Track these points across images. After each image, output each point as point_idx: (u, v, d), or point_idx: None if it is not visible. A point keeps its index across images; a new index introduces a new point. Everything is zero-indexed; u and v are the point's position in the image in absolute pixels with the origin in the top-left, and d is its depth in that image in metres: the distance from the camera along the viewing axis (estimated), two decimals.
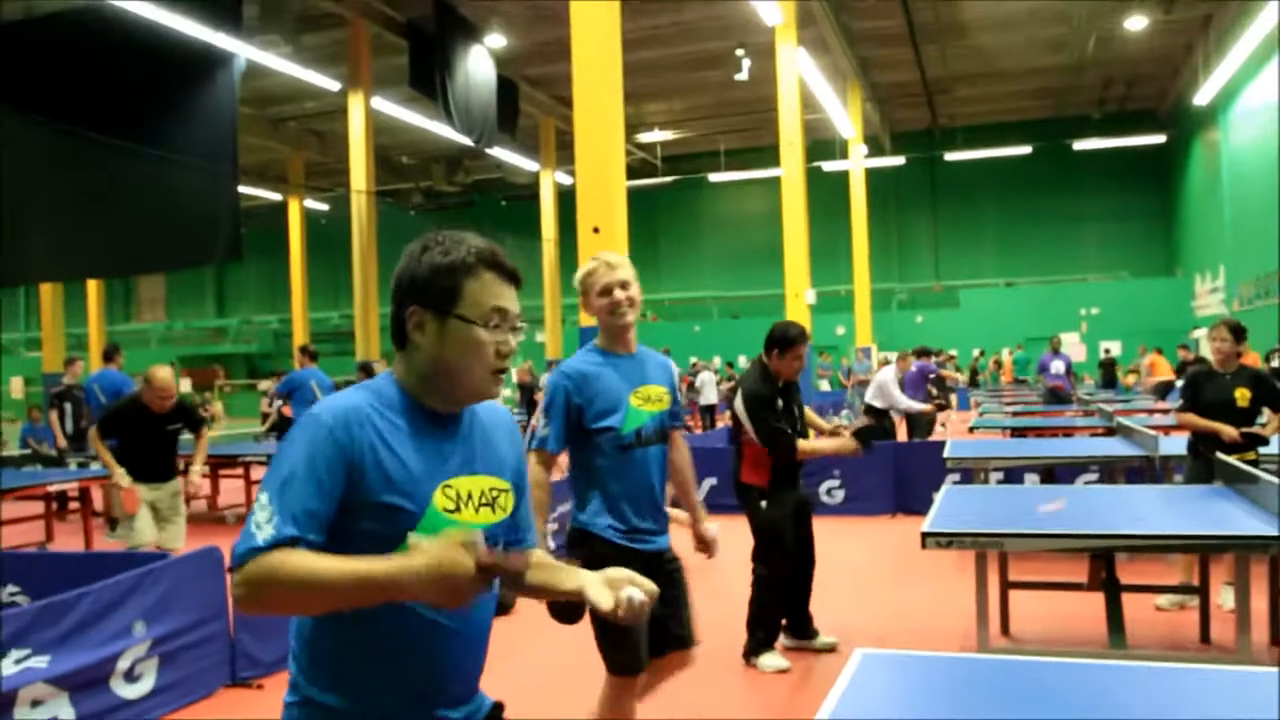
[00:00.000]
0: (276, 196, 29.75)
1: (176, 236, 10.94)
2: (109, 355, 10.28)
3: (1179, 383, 9.54)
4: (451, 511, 1.69)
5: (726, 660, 5.20)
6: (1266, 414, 5.88)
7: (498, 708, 1.89)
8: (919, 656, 2.53)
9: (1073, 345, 26.31)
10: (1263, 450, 5.86)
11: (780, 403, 5.11)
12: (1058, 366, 15.60)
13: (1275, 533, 3.78)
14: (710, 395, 20.32)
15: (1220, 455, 5.28)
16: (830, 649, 5.38)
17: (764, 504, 5.16)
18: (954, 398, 19.90)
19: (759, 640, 5.14)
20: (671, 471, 3.54)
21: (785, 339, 5.12)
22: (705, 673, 4.68)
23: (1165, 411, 10.89)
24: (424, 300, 1.69)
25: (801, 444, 5.10)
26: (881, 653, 2.46)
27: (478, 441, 1.79)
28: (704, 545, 3.70)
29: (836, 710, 2.02)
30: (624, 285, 3.30)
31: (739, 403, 5.22)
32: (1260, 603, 4.81)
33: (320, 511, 1.57)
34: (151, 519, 6.36)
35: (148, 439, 6.32)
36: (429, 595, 1.50)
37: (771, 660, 5.10)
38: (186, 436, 6.81)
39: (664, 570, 3.25)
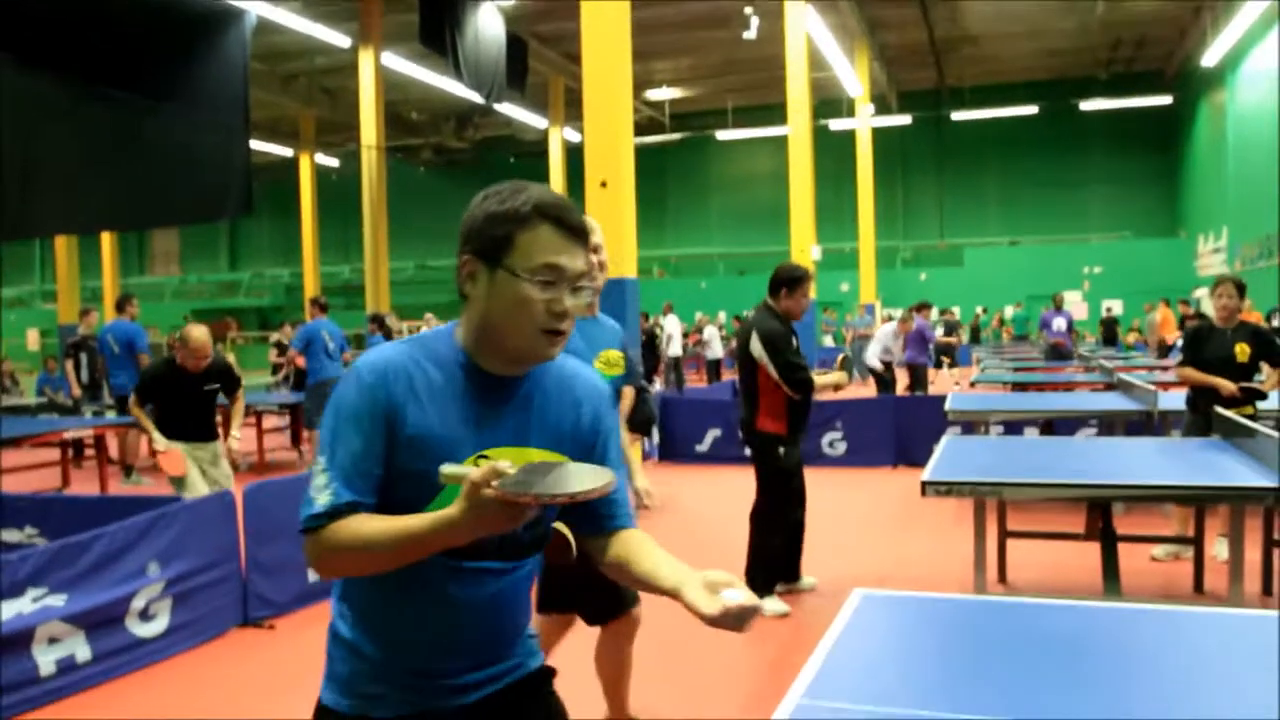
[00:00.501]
0: (288, 152, 29.71)
1: (188, 190, 10.95)
2: (121, 305, 10.36)
3: (1178, 341, 9.59)
4: None
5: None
6: (1265, 369, 5.94)
7: (543, 673, 1.81)
8: (916, 597, 2.58)
9: (1075, 304, 26.28)
10: (1261, 405, 5.92)
11: (795, 342, 5.20)
12: (1059, 324, 15.68)
13: (1271, 485, 3.84)
14: (716, 349, 20.39)
15: (1219, 409, 5.35)
16: (811, 588, 5.59)
17: (782, 451, 5.22)
18: (955, 354, 19.97)
19: (760, 585, 5.21)
20: None
21: (793, 278, 5.23)
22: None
23: (1165, 368, 10.93)
24: (476, 249, 1.59)
25: (818, 380, 5.18)
26: (880, 593, 2.52)
27: (535, 411, 1.65)
28: (637, 497, 3.67)
29: (836, 647, 2.08)
30: (597, 249, 3.21)
31: (755, 344, 5.18)
32: (1254, 554, 4.88)
33: (371, 470, 1.53)
34: (200, 475, 6.27)
35: (185, 400, 6.23)
36: (475, 535, 1.45)
37: (773, 605, 5.20)
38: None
39: None
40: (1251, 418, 5.46)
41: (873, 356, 13.37)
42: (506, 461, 1.41)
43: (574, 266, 1.59)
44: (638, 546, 1.68)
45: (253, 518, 5.26)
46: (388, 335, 11.42)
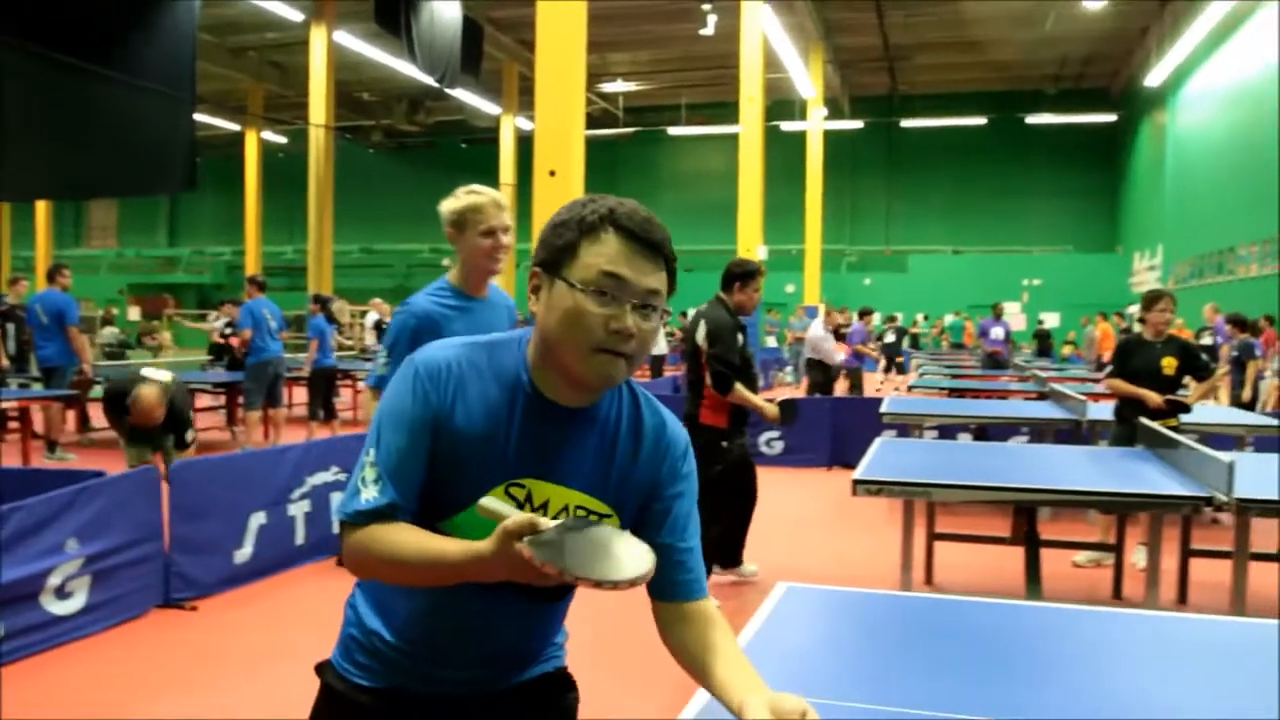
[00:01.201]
0: (234, 127, 29.24)
1: (130, 162, 10.70)
2: (52, 275, 10.11)
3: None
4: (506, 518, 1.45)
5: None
6: (1191, 383, 6.10)
7: (557, 677, 1.71)
8: (838, 591, 2.61)
9: (1014, 315, 26.74)
10: (1185, 418, 6.07)
11: (741, 338, 5.24)
12: (997, 332, 15.97)
13: (1189, 494, 3.94)
14: (661, 345, 20.43)
15: (1144, 421, 5.47)
16: (753, 575, 5.68)
17: (724, 445, 5.24)
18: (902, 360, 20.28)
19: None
20: None
21: (745, 272, 5.31)
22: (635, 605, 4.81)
23: (1096, 380, 11.17)
24: (540, 260, 1.46)
25: (737, 387, 5.17)
26: (803, 586, 2.54)
27: (593, 451, 1.51)
28: None
29: (757, 638, 2.09)
30: (507, 230, 3.18)
31: (700, 332, 5.22)
32: (1171, 563, 5.01)
33: (414, 473, 1.45)
34: None
35: (147, 437, 6.33)
36: (504, 578, 1.33)
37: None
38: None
39: None
40: (1175, 429, 5.60)
41: (807, 353, 13.47)
42: (548, 519, 1.29)
43: (640, 281, 1.41)
44: (709, 642, 1.50)
45: (179, 496, 5.16)
46: (329, 317, 11.27)
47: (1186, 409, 5.98)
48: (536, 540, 1.27)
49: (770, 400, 5.47)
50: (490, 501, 1.37)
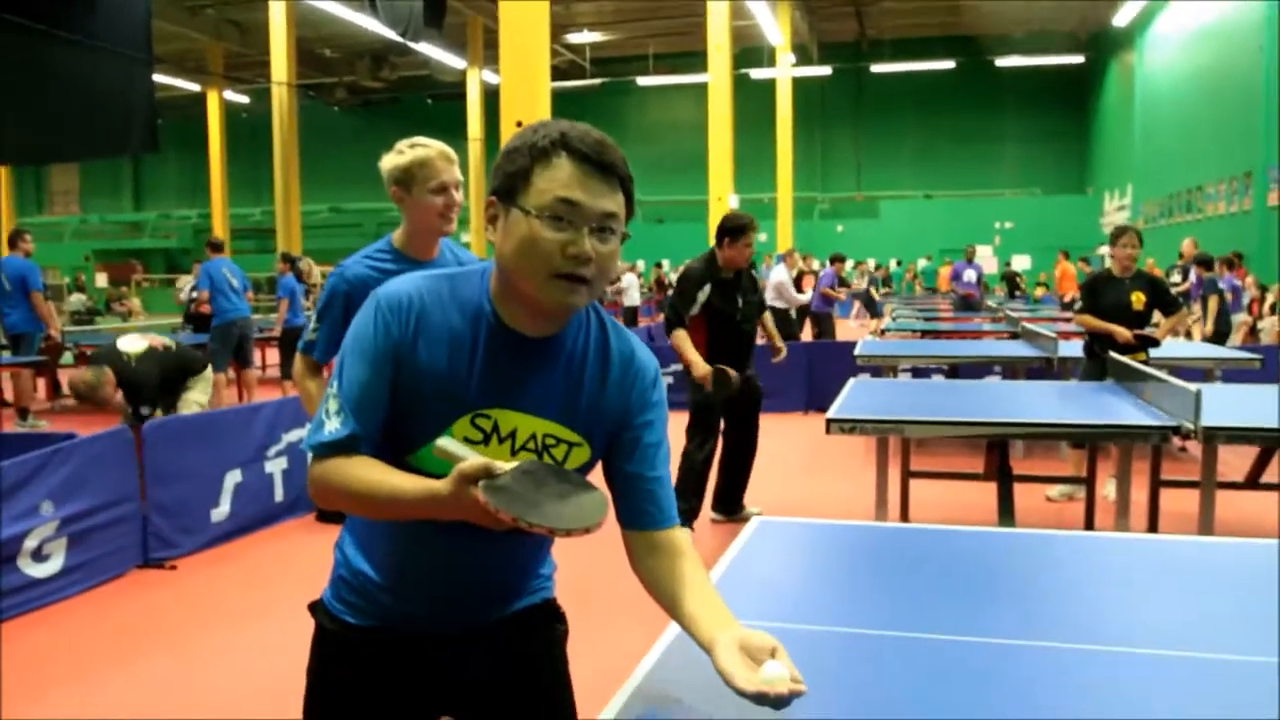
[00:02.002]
0: (195, 87, 28.71)
1: (88, 125, 10.51)
2: (14, 241, 9.95)
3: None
4: (474, 444, 1.43)
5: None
6: (1159, 318, 6.16)
7: (545, 608, 1.70)
8: (811, 524, 2.63)
9: (986, 258, 26.87)
10: (1154, 352, 6.14)
11: (707, 290, 5.39)
12: (970, 275, 16.03)
13: (1158, 423, 3.99)
14: (634, 297, 20.43)
15: (1113, 355, 5.53)
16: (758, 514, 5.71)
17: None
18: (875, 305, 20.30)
19: (681, 514, 5.29)
20: None
21: (735, 227, 5.42)
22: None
23: (1068, 320, 11.27)
24: (494, 188, 1.44)
25: (678, 334, 5.40)
26: (776, 519, 2.56)
27: (559, 380, 1.49)
28: None
29: (731, 569, 2.12)
30: (458, 185, 2.93)
31: (676, 277, 5.51)
32: (1141, 495, 5.09)
33: (377, 404, 1.44)
34: None
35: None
36: (459, 517, 1.34)
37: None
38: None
39: None
40: (1144, 364, 5.67)
41: (771, 299, 13.38)
42: (504, 464, 1.31)
43: (596, 205, 1.38)
44: (678, 574, 1.49)
45: (153, 457, 5.14)
46: (299, 276, 11.16)
47: (1156, 343, 6.05)
48: (492, 485, 1.27)
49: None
50: (447, 442, 1.37)
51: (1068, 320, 10.99)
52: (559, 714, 1.68)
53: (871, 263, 26.92)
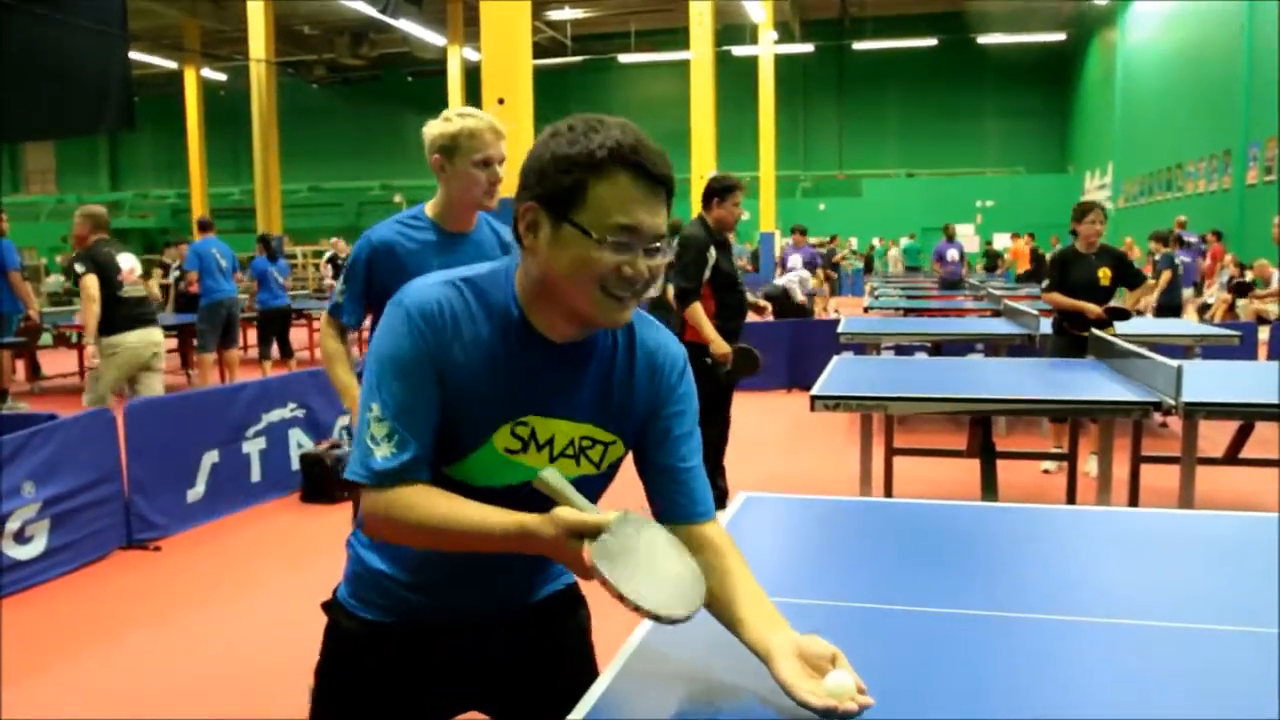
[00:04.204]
0: (172, 65, 28.38)
1: (63, 102, 10.39)
2: None
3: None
4: (514, 453, 1.42)
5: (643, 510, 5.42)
6: (1125, 292, 6.26)
7: (567, 593, 1.70)
8: (798, 499, 2.65)
9: (967, 237, 26.96)
10: (1130, 329, 6.19)
11: (713, 254, 5.14)
12: (952, 254, 16.05)
13: (1139, 399, 4.02)
14: None
15: (1094, 331, 5.56)
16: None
17: (708, 361, 5.10)
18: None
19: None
20: None
21: (724, 186, 5.20)
22: None
23: (1020, 297, 11.37)
24: (540, 196, 1.35)
25: (695, 308, 5.11)
26: (761, 495, 2.57)
27: (591, 382, 1.46)
28: None
29: None
30: (503, 161, 2.81)
31: (675, 246, 5.18)
32: (1122, 471, 5.13)
33: (427, 421, 1.38)
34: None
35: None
36: (548, 556, 1.34)
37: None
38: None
39: None
40: (1114, 337, 5.76)
41: (797, 291, 13.24)
42: (608, 515, 1.28)
43: (653, 225, 1.34)
44: (722, 572, 1.44)
45: (135, 437, 5.11)
46: (272, 257, 11.06)
47: (1127, 315, 6.11)
48: (603, 549, 1.24)
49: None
50: (552, 476, 1.33)
51: (1027, 299, 11.07)
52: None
53: (836, 239, 26.97)
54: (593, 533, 1.25)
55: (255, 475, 5.93)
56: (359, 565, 1.60)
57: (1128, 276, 6.23)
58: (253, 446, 5.92)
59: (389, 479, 1.37)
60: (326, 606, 1.66)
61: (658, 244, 1.36)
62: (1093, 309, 5.99)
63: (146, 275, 8.40)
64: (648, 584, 1.24)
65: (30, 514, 4.54)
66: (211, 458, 5.61)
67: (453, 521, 1.35)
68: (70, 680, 3.63)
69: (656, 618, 1.23)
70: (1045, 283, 6.38)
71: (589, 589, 1.73)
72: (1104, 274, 6.09)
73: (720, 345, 5.07)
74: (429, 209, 2.88)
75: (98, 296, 6.16)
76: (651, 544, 1.32)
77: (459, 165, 2.76)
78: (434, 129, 2.80)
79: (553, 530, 1.27)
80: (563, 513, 1.28)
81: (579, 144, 1.33)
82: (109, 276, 6.29)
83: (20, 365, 11.11)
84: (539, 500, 1.34)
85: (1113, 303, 6.12)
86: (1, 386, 9.73)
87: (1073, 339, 6.06)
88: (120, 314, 6.27)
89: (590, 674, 1.63)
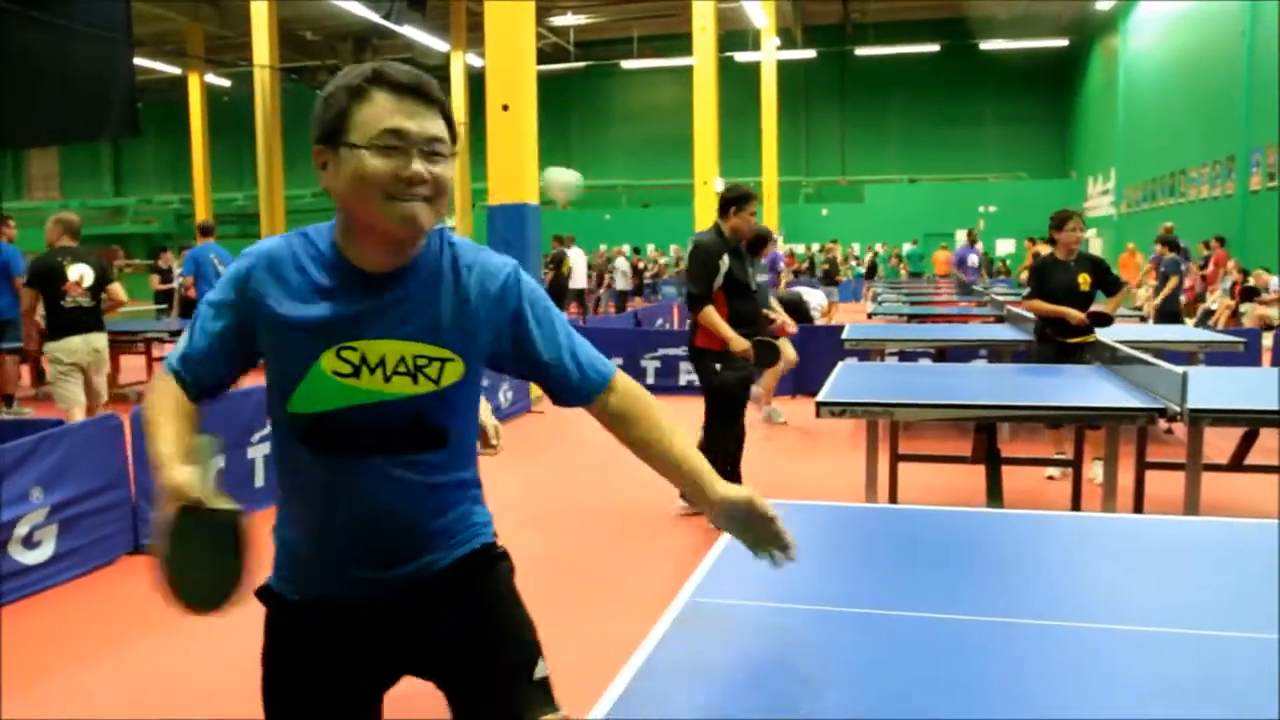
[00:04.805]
0: (175, 70, 28.42)
1: (67, 108, 10.42)
2: None
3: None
4: (345, 376, 1.51)
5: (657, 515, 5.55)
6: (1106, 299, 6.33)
7: (482, 552, 1.67)
8: (805, 505, 2.66)
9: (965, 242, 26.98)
10: (1135, 335, 6.21)
11: (726, 261, 5.30)
12: (973, 260, 15.88)
13: (1144, 406, 4.03)
14: (622, 282, 20.47)
15: (1100, 339, 5.58)
16: None
17: (718, 367, 5.31)
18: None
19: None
20: None
21: (739, 195, 5.37)
22: (642, 528, 5.08)
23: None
24: (319, 135, 1.50)
25: (708, 310, 5.26)
26: (771, 501, 2.57)
27: (415, 302, 1.54)
28: (482, 436, 2.88)
29: (727, 551, 2.13)
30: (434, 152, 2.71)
31: (689, 255, 5.46)
32: (1127, 478, 5.13)
33: (206, 348, 1.59)
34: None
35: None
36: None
37: None
38: None
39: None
40: (1091, 345, 5.81)
41: (815, 307, 13.15)
42: (220, 502, 1.47)
43: (421, 129, 1.47)
44: (636, 445, 1.69)
45: (142, 442, 5.12)
46: None
47: (1109, 321, 6.15)
48: (161, 526, 1.42)
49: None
50: (202, 443, 1.56)
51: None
52: (519, 651, 1.66)
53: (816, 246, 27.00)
54: (188, 503, 1.42)
55: (259, 480, 5.94)
56: (275, 540, 1.67)
57: (1106, 282, 6.28)
58: (257, 451, 5.93)
59: (165, 370, 1.62)
60: (258, 593, 1.65)
61: (434, 148, 1.48)
62: (1075, 314, 6.04)
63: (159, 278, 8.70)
64: (183, 575, 1.43)
65: (38, 519, 4.56)
66: (217, 463, 5.62)
67: (149, 425, 1.56)
68: (77, 685, 3.64)
69: (171, 601, 1.42)
70: (1027, 290, 6.43)
71: (554, 590, 1.75)
72: (1084, 280, 6.15)
73: (739, 343, 5.23)
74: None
75: (34, 306, 6.90)
76: (216, 539, 1.45)
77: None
78: None
79: (164, 481, 1.44)
80: (178, 472, 1.45)
81: (339, 81, 1.50)
82: (51, 287, 6.84)
83: (25, 370, 11.12)
84: (370, 427, 1.52)
85: (1094, 308, 6.18)
86: (7, 391, 9.74)
87: (1058, 346, 6.12)
88: (61, 320, 6.86)
89: (518, 632, 1.66)
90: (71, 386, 6.82)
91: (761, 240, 5.58)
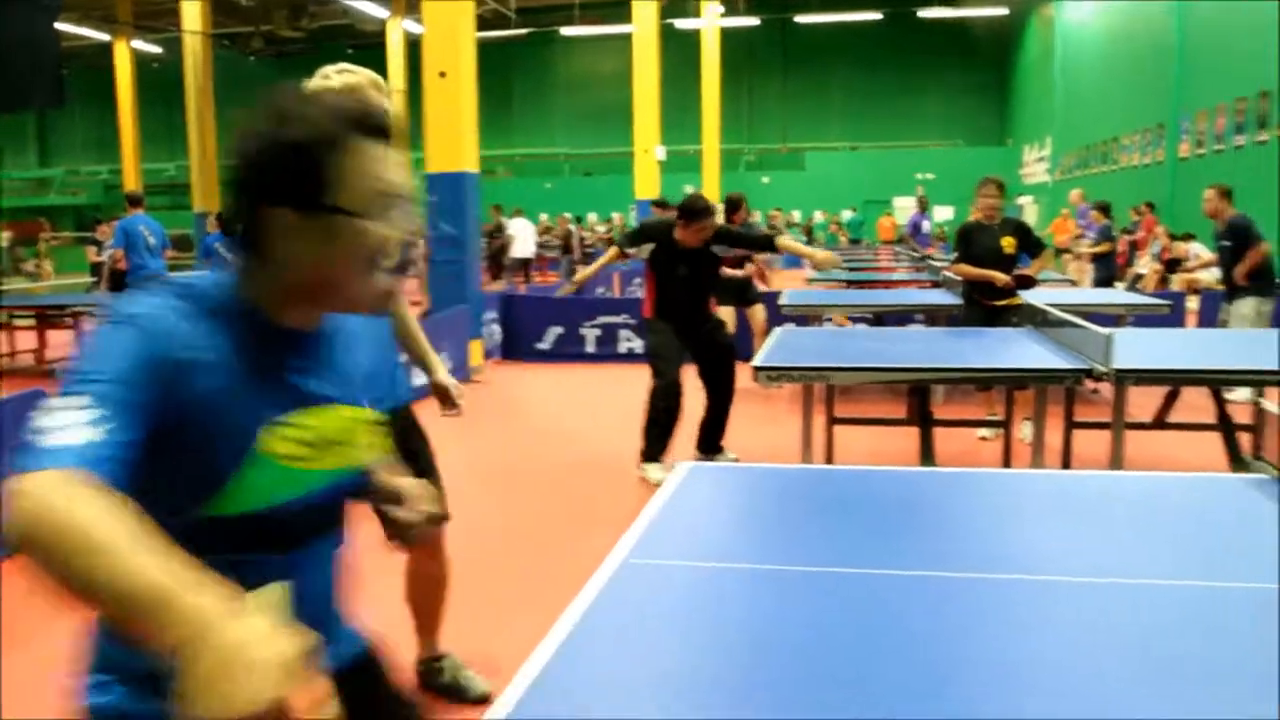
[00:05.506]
0: (103, 36, 27.59)
1: None
2: None
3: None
4: (301, 460, 1.24)
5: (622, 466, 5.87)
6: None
7: (365, 655, 1.45)
8: (739, 468, 2.72)
9: (907, 209, 27.26)
10: (1065, 299, 6.36)
11: (652, 246, 5.70)
12: (926, 226, 16.02)
13: (1071, 366, 4.13)
14: (526, 248, 19.94)
15: (1026, 300, 5.70)
16: (733, 461, 5.94)
17: (650, 332, 5.78)
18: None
19: (645, 452, 5.70)
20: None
21: (691, 211, 5.56)
22: (603, 476, 5.57)
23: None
24: (277, 196, 1.19)
25: (613, 251, 6.17)
26: (704, 464, 2.63)
27: (327, 359, 1.31)
28: (444, 396, 3.00)
29: (661, 513, 2.16)
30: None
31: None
32: (1055, 437, 5.27)
33: (120, 459, 1.04)
34: None
35: None
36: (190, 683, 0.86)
37: (654, 473, 5.55)
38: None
39: None
40: (1017, 308, 5.96)
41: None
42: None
43: (406, 183, 1.24)
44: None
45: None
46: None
47: (1034, 283, 6.32)
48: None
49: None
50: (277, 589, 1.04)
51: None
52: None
53: (796, 215, 27.14)
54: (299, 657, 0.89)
55: None
56: (109, 662, 1.23)
57: (1029, 244, 6.46)
58: None
59: (76, 455, 1.01)
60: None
61: (411, 201, 1.26)
62: (1000, 277, 6.19)
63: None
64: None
65: None
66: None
67: (70, 527, 0.93)
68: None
69: None
70: (954, 255, 6.57)
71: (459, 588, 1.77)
72: (1008, 243, 6.30)
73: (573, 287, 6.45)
74: None
75: None
76: None
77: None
78: (313, 88, 2.59)
79: (235, 645, 0.86)
80: (281, 640, 0.89)
81: (304, 126, 1.19)
82: None
83: None
84: (309, 522, 1.26)
85: (1018, 271, 6.33)
86: None
87: (985, 309, 6.25)
88: None
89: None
90: None
91: (701, 213, 5.64)
